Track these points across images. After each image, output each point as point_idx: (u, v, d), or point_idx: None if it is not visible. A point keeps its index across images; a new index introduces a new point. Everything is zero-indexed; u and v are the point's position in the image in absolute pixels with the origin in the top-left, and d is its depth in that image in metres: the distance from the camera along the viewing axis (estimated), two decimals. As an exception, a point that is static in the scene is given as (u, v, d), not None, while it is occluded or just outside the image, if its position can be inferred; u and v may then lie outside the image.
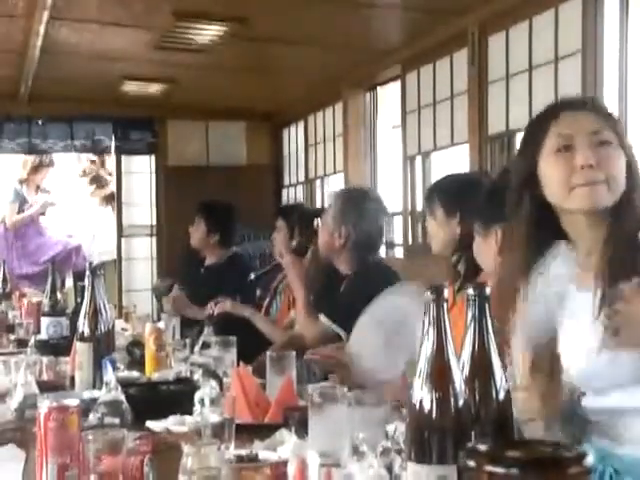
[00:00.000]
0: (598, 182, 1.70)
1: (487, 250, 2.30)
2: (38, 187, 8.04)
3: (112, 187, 8.85)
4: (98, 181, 8.96)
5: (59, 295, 3.70)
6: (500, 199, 2.23)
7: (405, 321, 2.24)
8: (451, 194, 2.76)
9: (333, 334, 3.28)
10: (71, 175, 9.09)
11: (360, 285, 3.32)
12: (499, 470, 0.99)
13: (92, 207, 8.93)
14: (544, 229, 1.79)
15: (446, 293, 1.28)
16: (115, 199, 8.24)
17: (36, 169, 7.91)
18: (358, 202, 3.49)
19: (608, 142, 1.73)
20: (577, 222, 1.76)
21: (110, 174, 8.64)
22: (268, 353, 2.60)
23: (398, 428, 1.51)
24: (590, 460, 1.01)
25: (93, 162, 8.99)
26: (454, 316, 1.48)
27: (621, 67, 3.81)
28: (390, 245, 6.25)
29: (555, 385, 1.74)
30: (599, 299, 1.70)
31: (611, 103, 3.82)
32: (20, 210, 7.79)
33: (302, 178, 7.62)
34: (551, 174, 1.75)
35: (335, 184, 6.93)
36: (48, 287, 3.69)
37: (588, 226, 1.75)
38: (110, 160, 8.86)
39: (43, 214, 8.04)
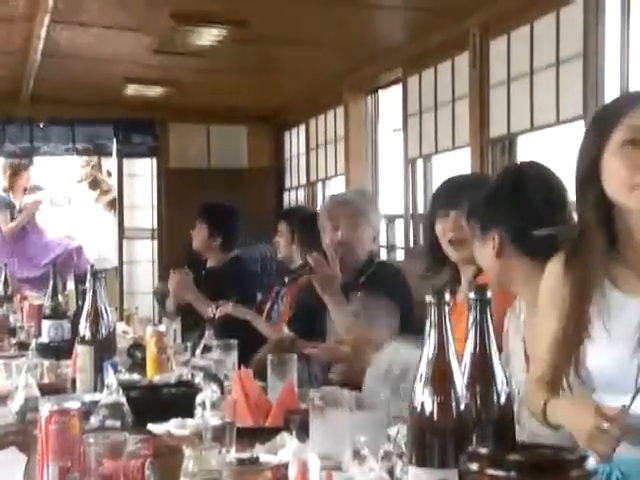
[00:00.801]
0: None
1: (485, 254, 2.29)
2: (25, 189, 8.03)
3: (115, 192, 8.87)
4: (98, 186, 8.96)
5: (60, 298, 3.70)
6: (498, 203, 2.23)
7: (408, 368, 2.24)
8: (458, 197, 2.74)
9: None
10: (71, 179, 9.11)
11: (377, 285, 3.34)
12: (500, 473, 1.00)
13: (95, 212, 8.94)
14: (597, 224, 1.73)
15: (447, 297, 1.28)
16: (116, 202, 8.25)
17: (16, 173, 7.89)
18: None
19: None
20: (632, 221, 1.72)
21: (110, 175, 8.64)
22: (269, 357, 2.60)
23: (399, 431, 1.51)
24: (592, 463, 1.01)
25: (93, 166, 8.98)
26: (454, 318, 1.48)
27: (623, 71, 3.81)
28: (391, 248, 6.25)
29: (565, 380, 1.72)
30: None
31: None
32: (11, 216, 7.78)
33: (303, 181, 7.62)
34: (615, 169, 1.70)
35: (336, 187, 6.93)
36: (49, 290, 3.69)
37: None
38: (106, 163, 8.89)
39: (35, 211, 8.02)
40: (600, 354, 1.72)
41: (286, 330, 3.58)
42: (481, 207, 2.30)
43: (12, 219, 7.77)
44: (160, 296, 5.96)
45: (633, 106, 1.73)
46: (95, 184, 8.97)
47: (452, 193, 2.73)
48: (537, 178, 2.22)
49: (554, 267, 1.83)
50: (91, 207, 8.97)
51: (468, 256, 2.52)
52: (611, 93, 3.84)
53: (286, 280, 3.69)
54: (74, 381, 2.67)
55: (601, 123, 1.76)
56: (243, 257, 5.20)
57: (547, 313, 1.82)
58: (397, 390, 2.15)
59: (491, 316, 1.37)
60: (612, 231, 1.76)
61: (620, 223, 1.74)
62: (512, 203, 2.18)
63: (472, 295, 1.36)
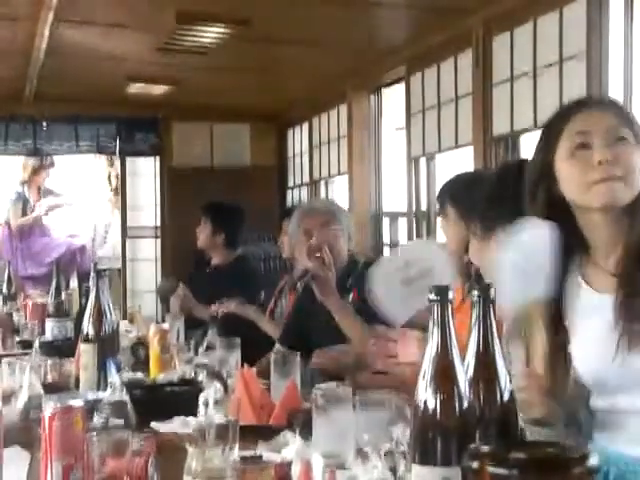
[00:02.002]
0: (615, 178, 1.69)
1: (485, 253, 2.27)
2: (39, 188, 8.05)
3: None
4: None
5: (64, 296, 3.71)
6: (503, 201, 2.21)
7: (432, 268, 2.20)
8: (463, 193, 2.73)
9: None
10: (81, 177, 9.11)
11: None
12: (502, 471, 0.99)
13: (105, 211, 8.93)
14: (559, 227, 1.77)
15: (450, 295, 1.28)
16: (120, 200, 8.26)
17: (37, 171, 7.93)
18: None
19: (625, 139, 1.72)
20: (594, 220, 1.75)
21: (117, 176, 8.66)
22: (272, 356, 2.60)
23: (402, 430, 1.51)
24: (593, 461, 1.01)
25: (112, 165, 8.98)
26: (464, 315, 1.47)
27: (626, 68, 3.81)
28: (394, 246, 6.25)
29: (559, 384, 1.73)
30: (620, 302, 1.69)
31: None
32: (23, 211, 7.80)
33: (306, 179, 7.62)
34: (568, 171, 1.74)
35: (339, 185, 6.93)
36: (53, 288, 3.70)
37: (605, 224, 1.74)
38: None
39: (46, 215, 8.05)
40: (580, 356, 1.73)
41: (278, 347, 3.53)
42: (483, 205, 2.29)
43: (24, 214, 7.80)
44: (163, 294, 5.97)
45: (576, 112, 1.78)
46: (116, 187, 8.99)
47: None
48: None
49: None
50: (104, 207, 8.97)
51: None
52: (614, 91, 3.84)
53: (292, 284, 3.68)
54: (77, 379, 2.67)
55: (550, 130, 1.81)
56: (247, 256, 5.21)
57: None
58: (411, 288, 2.12)
59: (494, 314, 1.36)
60: (579, 232, 1.78)
61: (584, 224, 1.77)
62: (519, 202, 2.16)
63: (475, 293, 1.36)
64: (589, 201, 1.72)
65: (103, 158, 8.87)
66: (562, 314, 1.78)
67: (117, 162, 8.95)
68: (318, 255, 3.35)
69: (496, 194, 2.26)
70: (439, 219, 2.83)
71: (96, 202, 8.96)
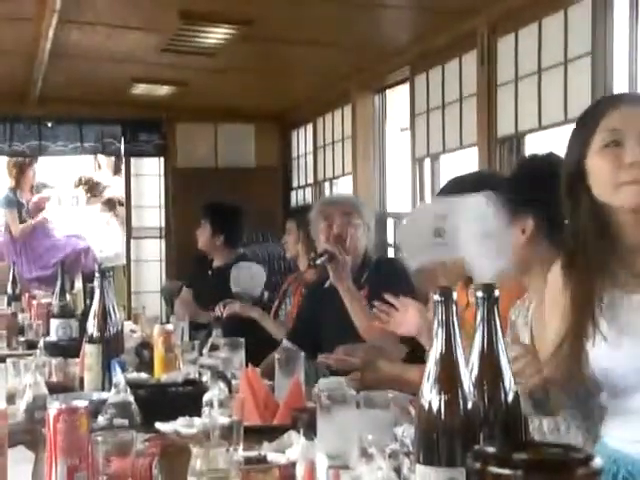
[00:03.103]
0: None
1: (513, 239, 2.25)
2: (32, 187, 8.06)
3: (109, 193, 8.89)
4: (95, 190, 8.99)
5: (68, 297, 3.72)
6: (534, 187, 2.19)
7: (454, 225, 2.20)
8: (473, 192, 2.72)
9: None
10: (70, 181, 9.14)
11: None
12: (506, 472, 0.99)
13: (93, 213, 8.95)
14: (591, 226, 1.76)
15: (454, 296, 1.28)
16: (124, 200, 8.26)
17: (21, 171, 7.92)
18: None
19: None
20: (624, 219, 1.74)
21: (115, 173, 8.66)
22: (276, 355, 2.61)
23: (406, 430, 1.51)
24: (598, 462, 1.00)
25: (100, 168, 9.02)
26: (470, 317, 1.47)
27: (631, 69, 3.80)
28: (399, 247, 6.25)
29: (572, 378, 1.72)
30: None
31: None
32: (20, 214, 7.81)
33: (311, 180, 7.62)
34: (599, 170, 1.72)
35: (344, 186, 6.93)
36: (57, 289, 3.70)
37: (634, 225, 1.73)
38: (104, 163, 8.94)
39: (43, 209, 8.05)
40: (605, 356, 1.72)
41: (287, 344, 3.55)
42: (509, 190, 2.26)
43: (20, 217, 7.80)
44: (168, 295, 5.98)
45: (611, 108, 1.76)
46: (92, 188, 9.00)
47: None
48: None
49: (554, 277, 1.85)
50: (90, 210, 8.99)
51: None
52: (620, 91, 3.83)
53: (316, 262, 3.67)
54: (82, 380, 2.68)
55: (582, 128, 1.80)
56: (249, 256, 5.21)
57: (550, 322, 1.83)
58: (433, 242, 2.12)
59: (499, 314, 1.36)
60: (607, 231, 1.77)
61: (612, 223, 1.76)
62: (550, 188, 2.13)
63: (479, 293, 1.36)
64: (619, 201, 1.71)
65: (90, 160, 8.93)
66: (593, 301, 1.75)
67: (104, 164, 9.00)
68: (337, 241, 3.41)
69: (529, 180, 2.24)
70: None
71: (88, 209, 8.99)
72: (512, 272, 2.16)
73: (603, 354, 1.71)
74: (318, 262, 3.40)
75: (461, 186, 2.80)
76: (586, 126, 1.77)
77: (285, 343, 3.55)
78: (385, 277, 3.41)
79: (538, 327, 2.11)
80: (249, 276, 4.56)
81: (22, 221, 7.81)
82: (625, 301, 1.72)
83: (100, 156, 8.93)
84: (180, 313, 4.67)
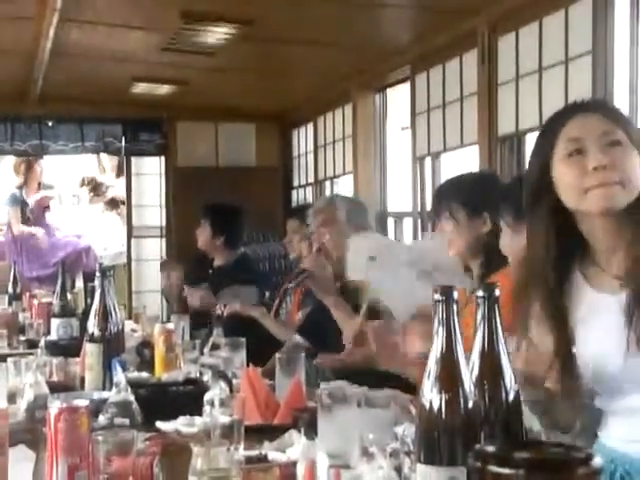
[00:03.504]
0: (612, 183, 1.69)
1: (518, 242, 2.26)
2: (39, 184, 8.07)
3: (112, 192, 8.91)
4: (98, 189, 9.02)
5: (69, 296, 3.72)
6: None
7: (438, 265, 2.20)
8: (473, 193, 2.72)
9: None
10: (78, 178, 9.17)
11: None
12: (507, 471, 0.99)
13: (96, 213, 8.97)
14: (560, 231, 1.77)
15: (455, 294, 1.28)
16: (125, 199, 8.27)
17: (28, 169, 7.93)
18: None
19: (619, 142, 1.72)
20: (593, 224, 1.75)
21: (119, 174, 8.67)
22: (277, 355, 2.60)
23: (407, 429, 1.51)
24: (598, 461, 1.01)
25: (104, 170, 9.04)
26: (467, 316, 1.47)
27: (632, 68, 3.80)
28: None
29: (565, 384, 1.73)
30: (629, 302, 1.69)
31: (622, 104, 3.81)
32: (23, 213, 7.82)
33: (311, 179, 7.62)
34: (564, 178, 1.74)
35: (344, 185, 6.93)
36: (58, 288, 3.70)
37: (605, 227, 1.74)
38: (108, 166, 8.95)
39: (47, 208, 8.06)
40: (586, 357, 1.73)
41: (298, 338, 3.58)
42: (516, 194, 2.26)
43: (24, 216, 7.81)
44: (168, 294, 5.98)
45: (568, 118, 1.77)
46: (95, 188, 9.02)
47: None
48: None
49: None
50: (93, 209, 9.01)
51: None
52: (620, 90, 3.84)
53: (290, 286, 3.74)
54: (83, 379, 2.68)
55: (543, 139, 1.81)
56: (249, 255, 5.21)
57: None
58: (424, 281, 2.12)
59: (499, 313, 1.36)
60: (579, 235, 1.78)
61: (584, 228, 1.78)
62: None
63: (480, 292, 1.36)
64: (587, 206, 1.72)
65: (93, 162, 8.95)
66: (566, 315, 1.77)
67: (108, 167, 9.01)
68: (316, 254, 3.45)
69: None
70: (444, 224, 2.77)
71: (90, 208, 9.01)
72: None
73: (594, 355, 1.72)
74: (292, 285, 3.48)
75: (457, 187, 2.81)
76: (547, 137, 1.79)
77: (296, 337, 3.58)
78: None
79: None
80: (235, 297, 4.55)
81: (25, 220, 7.83)
82: (605, 302, 1.73)
83: (104, 159, 8.96)
84: (195, 302, 4.69)
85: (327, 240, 3.63)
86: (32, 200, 7.95)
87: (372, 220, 3.86)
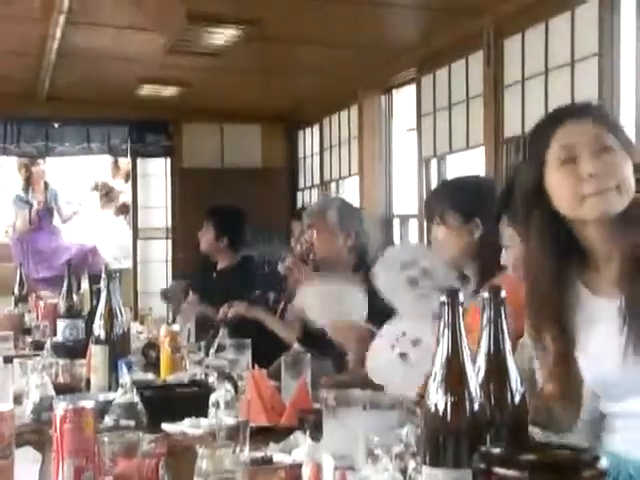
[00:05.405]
0: (608, 189, 1.69)
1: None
2: (46, 184, 8.09)
3: (123, 198, 8.92)
4: (110, 195, 9.04)
5: (75, 298, 3.72)
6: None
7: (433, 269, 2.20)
8: (465, 198, 2.71)
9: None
10: (85, 182, 9.19)
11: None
12: (512, 473, 0.99)
13: (105, 217, 9.00)
14: (557, 239, 1.77)
15: (461, 297, 1.28)
16: (130, 202, 8.28)
17: (28, 170, 7.95)
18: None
19: (611, 147, 1.71)
20: (591, 231, 1.75)
21: (127, 179, 8.69)
22: (283, 356, 2.60)
23: (412, 431, 1.51)
24: (604, 463, 1.00)
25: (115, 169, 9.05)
26: (467, 323, 1.47)
27: (638, 70, 3.80)
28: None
29: (568, 389, 1.73)
30: (624, 307, 1.68)
31: (628, 106, 3.81)
32: (29, 215, 7.84)
33: (317, 181, 7.62)
34: (559, 186, 1.73)
35: (350, 187, 6.92)
36: (64, 290, 3.71)
37: (602, 233, 1.74)
38: (125, 165, 8.95)
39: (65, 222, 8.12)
40: (587, 361, 1.73)
41: (297, 346, 3.57)
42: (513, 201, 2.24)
43: (30, 218, 7.83)
44: (165, 297, 5.98)
45: (558, 125, 1.76)
46: (107, 194, 9.05)
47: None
48: None
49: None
50: (103, 214, 9.04)
51: None
52: (626, 92, 3.83)
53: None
54: (88, 380, 2.68)
55: (535, 144, 1.80)
56: (253, 257, 5.21)
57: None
58: (405, 358, 2.12)
59: (505, 315, 1.36)
60: (576, 241, 1.78)
61: (580, 235, 1.77)
62: None
63: (486, 294, 1.36)
64: (584, 214, 1.71)
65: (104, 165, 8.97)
66: (565, 321, 1.77)
67: (123, 170, 9.03)
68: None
69: None
70: (437, 228, 2.77)
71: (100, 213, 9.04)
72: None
73: (595, 360, 1.73)
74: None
75: (450, 191, 2.80)
76: (538, 144, 1.78)
77: (296, 347, 3.57)
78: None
79: None
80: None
81: (30, 221, 7.85)
82: (604, 307, 1.73)
83: (120, 162, 8.97)
84: (187, 315, 4.67)
85: (315, 240, 3.65)
86: (40, 202, 7.97)
87: (368, 226, 3.83)
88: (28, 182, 7.95)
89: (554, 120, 1.79)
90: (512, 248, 2.36)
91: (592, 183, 1.69)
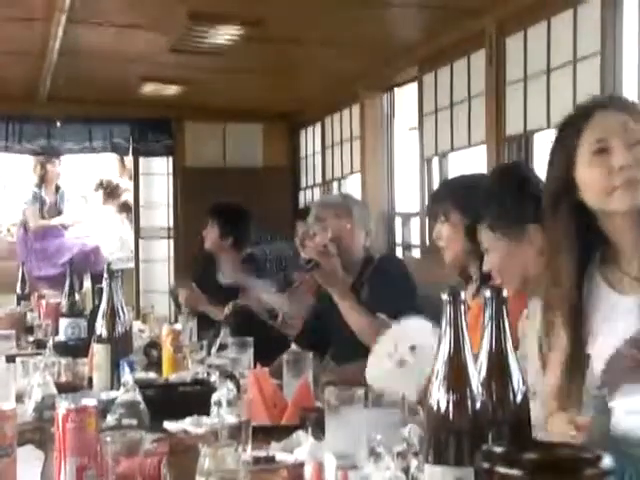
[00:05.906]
0: (638, 182, 1.69)
1: (520, 254, 2.24)
2: (57, 187, 8.09)
3: (127, 196, 8.91)
4: (115, 193, 9.03)
5: (77, 296, 3.72)
6: (527, 198, 2.18)
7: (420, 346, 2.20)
8: (468, 196, 2.70)
9: None
10: (88, 179, 9.18)
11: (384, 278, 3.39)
12: (514, 472, 0.99)
13: (108, 215, 8.98)
14: (581, 232, 1.76)
15: (463, 295, 1.28)
16: (132, 201, 8.28)
17: (45, 168, 7.95)
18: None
19: None
20: (619, 224, 1.74)
21: (130, 178, 8.68)
22: (284, 356, 2.60)
23: (414, 430, 1.51)
24: (607, 462, 1.00)
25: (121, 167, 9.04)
26: (469, 322, 1.47)
27: (640, 68, 3.79)
28: (407, 247, 6.24)
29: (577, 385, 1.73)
30: None
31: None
32: (41, 213, 7.84)
33: (319, 180, 7.62)
34: (590, 178, 1.73)
35: (352, 186, 6.92)
36: (66, 288, 3.71)
37: (629, 227, 1.73)
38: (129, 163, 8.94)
39: (65, 228, 8.11)
40: (603, 357, 1.72)
41: (294, 347, 3.56)
42: (508, 206, 2.24)
43: (42, 214, 7.84)
44: (175, 296, 5.98)
45: (589, 118, 1.76)
46: (112, 192, 9.03)
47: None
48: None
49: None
50: (105, 211, 9.02)
51: None
52: (629, 91, 3.82)
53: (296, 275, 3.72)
54: (91, 379, 2.69)
55: (566, 136, 1.80)
56: (257, 256, 5.21)
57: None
58: (404, 365, 2.11)
59: (507, 314, 1.36)
60: (601, 235, 1.77)
61: (607, 228, 1.76)
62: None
63: (488, 293, 1.36)
64: (613, 206, 1.71)
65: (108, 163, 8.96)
66: (583, 316, 1.76)
67: (129, 168, 9.02)
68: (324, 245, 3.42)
69: (521, 191, 2.22)
70: (439, 227, 2.76)
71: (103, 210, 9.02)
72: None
73: (607, 356, 1.72)
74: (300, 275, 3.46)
75: (452, 189, 2.80)
76: (569, 135, 1.78)
77: (293, 347, 3.56)
78: (385, 275, 3.42)
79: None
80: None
81: (42, 218, 7.86)
82: (625, 304, 1.73)
83: (126, 160, 8.96)
84: (192, 303, 4.70)
85: (348, 230, 3.57)
86: (52, 199, 7.98)
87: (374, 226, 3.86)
88: (42, 180, 7.95)
89: (587, 110, 1.79)
90: (492, 251, 2.35)
91: (623, 175, 1.69)
